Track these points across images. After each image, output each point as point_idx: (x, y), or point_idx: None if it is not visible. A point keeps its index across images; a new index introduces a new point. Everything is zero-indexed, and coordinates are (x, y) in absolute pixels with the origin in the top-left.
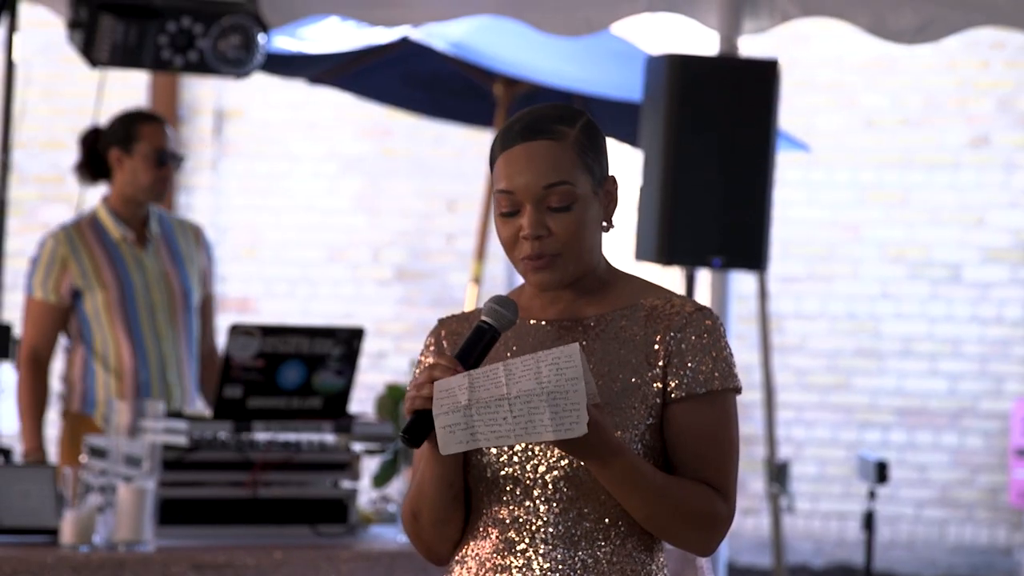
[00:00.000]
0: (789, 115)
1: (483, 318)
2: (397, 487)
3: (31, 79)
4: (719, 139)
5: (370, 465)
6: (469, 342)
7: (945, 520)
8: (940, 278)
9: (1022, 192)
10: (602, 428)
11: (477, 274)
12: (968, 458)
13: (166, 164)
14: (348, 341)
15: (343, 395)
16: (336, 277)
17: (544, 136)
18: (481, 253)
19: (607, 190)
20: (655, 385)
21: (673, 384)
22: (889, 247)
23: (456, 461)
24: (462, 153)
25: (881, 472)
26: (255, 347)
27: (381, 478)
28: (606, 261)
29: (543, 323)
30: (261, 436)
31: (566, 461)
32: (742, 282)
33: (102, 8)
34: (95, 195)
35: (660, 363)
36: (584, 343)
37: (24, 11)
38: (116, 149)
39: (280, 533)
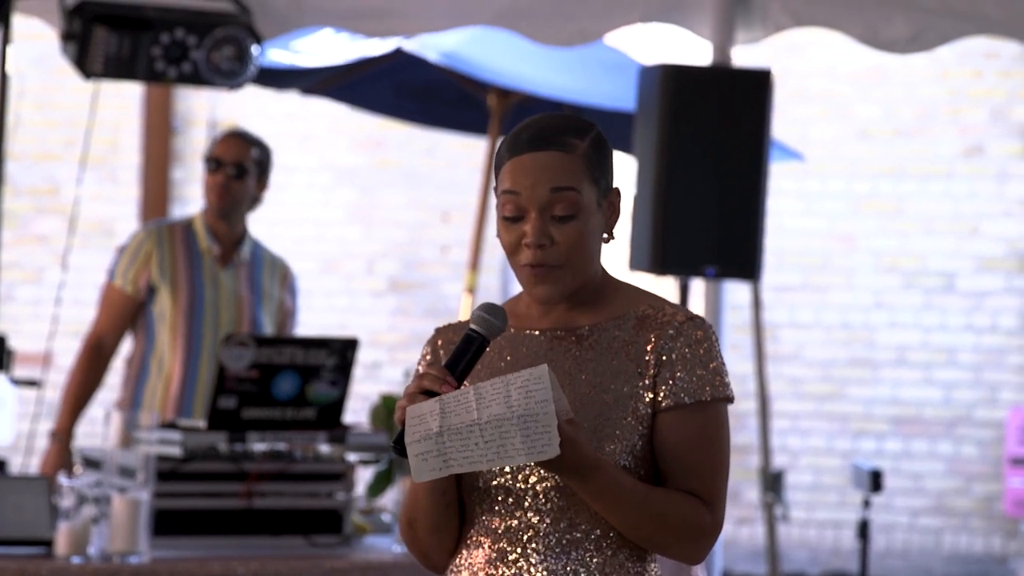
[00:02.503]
0: (782, 125)
1: (472, 326)
2: (391, 497)
3: (25, 91)
4: (712, 149)
5: (364, 475)
6: (458, 351)
7: (940, 529)
8: (934, 287)
9: (1016, 201)
10: (577, 444)
11: (471, 284)
12: (963, 467)
13: (216, 172)
14: (342, 352)
15: (337, 406)
16: (330, 288)
17: (554, 147)
18: (475, 264)
19: (610, 202)
20: (646, 395)
21: (662, 393)
22: (883, 256)
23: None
24: (455, 164)
25: (876, 481)
26: (249, 358)
27: (375, 488)
28: (603, 271)
29: (536, 333)
30: (256, 447)
31: None
32: (736, 291)
33: (95, 20)
34: (89, 209)
35: (650, 372)
36: (577, 353)
37: (17, 23)
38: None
39: (275, 544)
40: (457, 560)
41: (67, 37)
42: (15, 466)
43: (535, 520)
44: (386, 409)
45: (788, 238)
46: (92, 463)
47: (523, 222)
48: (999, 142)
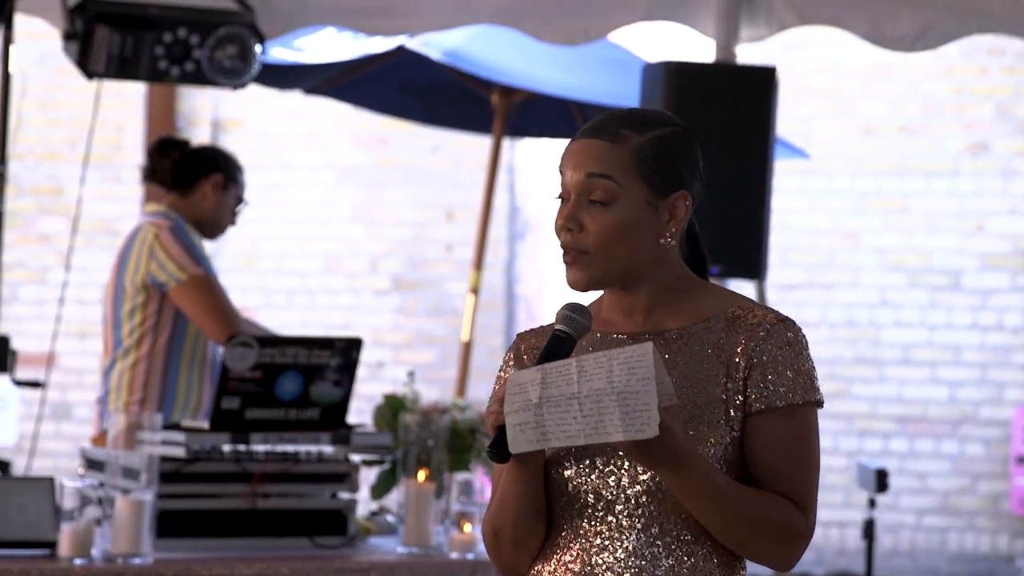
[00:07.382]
0: (787, 122)
1: (558, 326)
2: (395, 498)
3: (27, 90)
4: (717, 147)
5: (368, 476)
6: (547, 352)
7: (946, 528)
8: (939, 285)
9: (1021, 198)
10: (673, 433)
11: (475, 284)
12: (969, 466)
13: (238, 210)
14: (346, 351)
15: (341, 406)
16: (334, 287)
17: (602, 136)
18: (479, 263)
19: (671, 204)
20: (736, 398)
21: (753, 396)
22: (888, 254)
23: (538, 476)
24: (460, 162)
25: (881, 480)
26: (252, 358)
27: (379, 489)
28: (681, 271)
29: (623, 337)
30: (259, 447)
31: (648, 475)
32: (741, 289)
33: (98, 19)
34: (93, 208)
35: (741, 375)
36: (666, 356)
37: (20, 22)
38: (222, 176)
39: (279, 545)
40: (541, 566)
41: (69, 36)
42: (19, 467)
43: (626, 525)
44: (390, 409)
45: (793, 236)
46: (95, 464)
47: (565, 205)
48: (1004, 139)
